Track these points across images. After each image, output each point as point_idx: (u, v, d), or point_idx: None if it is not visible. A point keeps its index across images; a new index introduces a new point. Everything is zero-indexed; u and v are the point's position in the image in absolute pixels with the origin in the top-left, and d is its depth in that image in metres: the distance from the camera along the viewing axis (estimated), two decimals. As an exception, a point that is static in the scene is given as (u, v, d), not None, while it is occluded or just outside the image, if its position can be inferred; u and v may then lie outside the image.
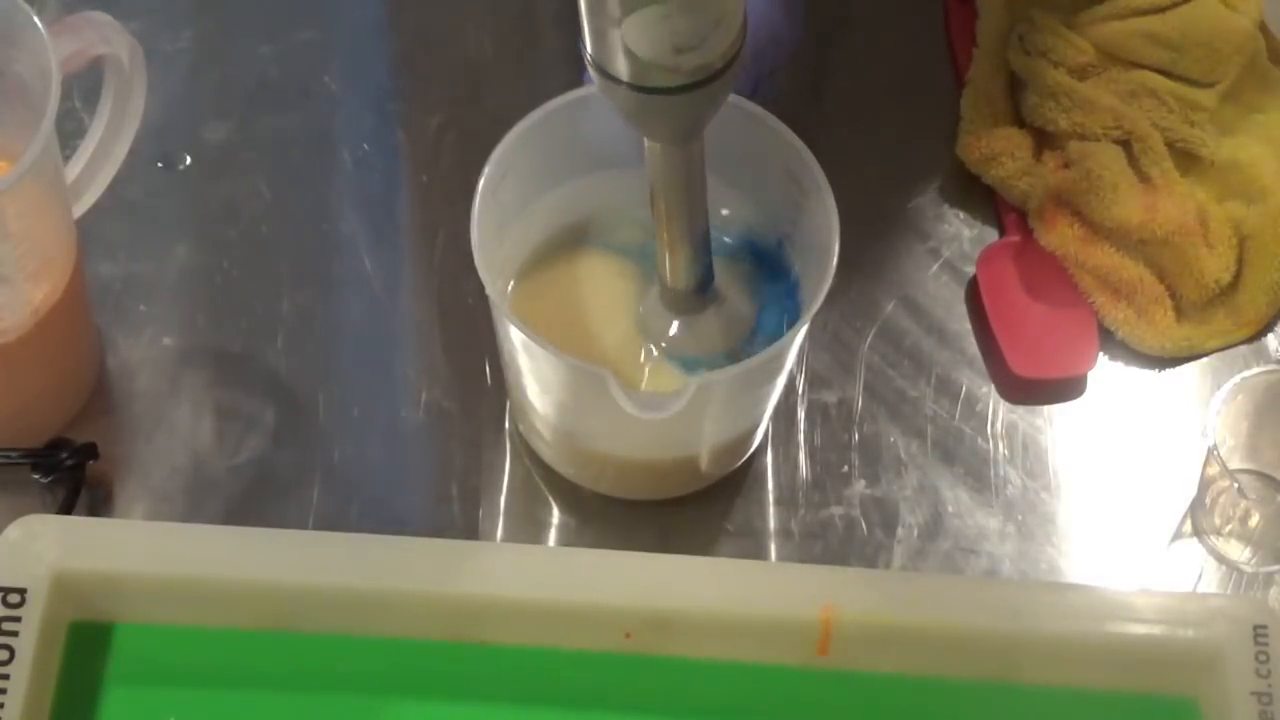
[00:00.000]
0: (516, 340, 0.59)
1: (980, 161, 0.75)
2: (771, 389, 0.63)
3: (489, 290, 0.58)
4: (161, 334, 0.70)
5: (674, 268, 0.62)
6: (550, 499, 0.67)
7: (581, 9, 0.52)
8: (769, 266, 0.65)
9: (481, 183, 0.60)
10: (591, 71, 0.54)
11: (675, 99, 0.53)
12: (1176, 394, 0.71)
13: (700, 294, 0.63)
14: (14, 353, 0.62)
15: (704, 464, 0.65)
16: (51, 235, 0.62)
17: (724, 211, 0.65)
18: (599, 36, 0.52)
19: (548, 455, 0.66)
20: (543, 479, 0.67)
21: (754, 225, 0.65)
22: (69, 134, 0.69)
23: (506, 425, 0.68)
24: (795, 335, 0.59)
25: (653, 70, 0.52)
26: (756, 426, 0.66)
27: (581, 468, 0.66)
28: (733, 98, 0.61)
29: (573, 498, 0.67)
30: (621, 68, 0.53)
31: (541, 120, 0.61)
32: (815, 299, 0.58)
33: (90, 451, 0.65)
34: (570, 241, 0.66)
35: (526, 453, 0.68)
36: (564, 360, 0.57)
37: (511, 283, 0.65)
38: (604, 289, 0.65)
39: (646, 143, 0.57)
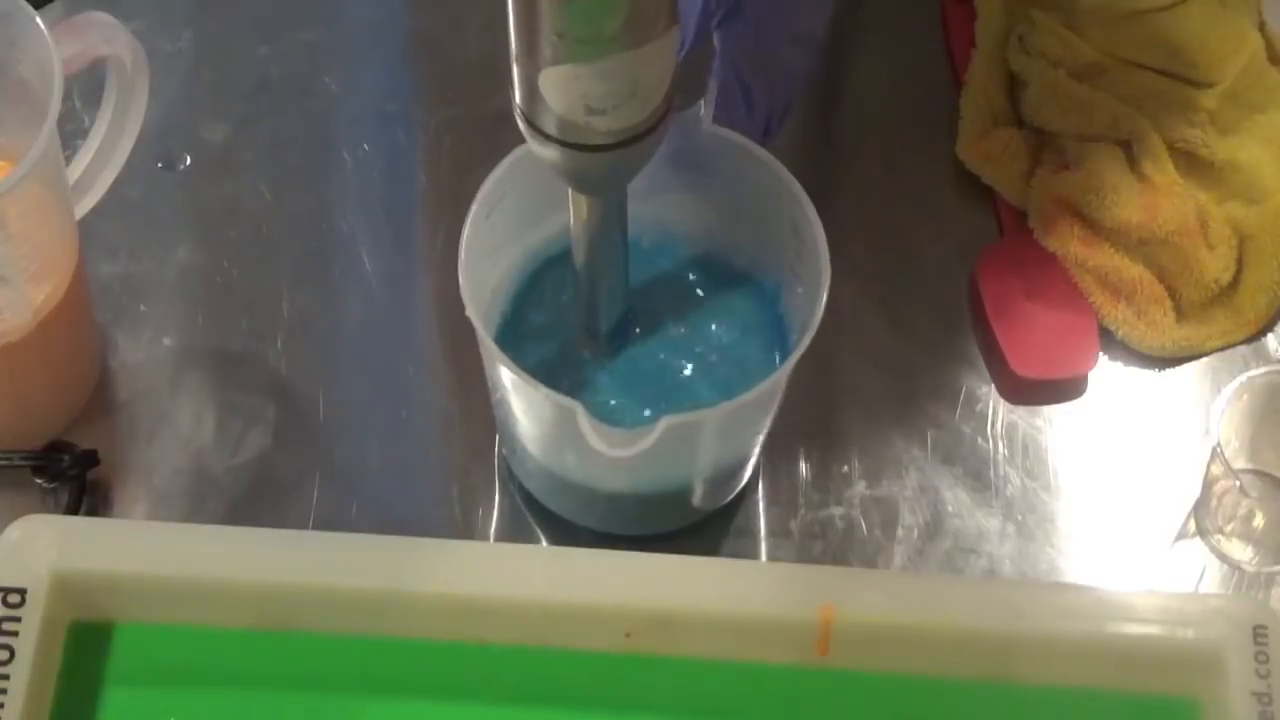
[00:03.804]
0: (500, 370, 0.58)
1: (980, 161, 0.75)
2: (757, 429, 0.63)
3: (471, 315, 0.58)
4: (161, 334, 0.70)
5: (589, 319, 0.63)
6: (539, 532, 0.67)
7: (511, 53, 0.53)
8: (765, 307, 0.65)
9: (474, 208, 0.59)
10: (516, 116, 0.55)
11: (590, 157, 0.54)
12: (1177, 394, 0.71)
13: (613, 343, 0.64)
14: (15, 354, 0.62)
15: (694, 499, 0.64)
16: (53, 236, 0.62)
17: (728, 248, 0.65)
18: (525, 84, 0.53)
19: (534, 488, 0.66)
20: (529, 511, 0.67)
21: (755, 266, 0.65)
22: (70, 134, 0.69)
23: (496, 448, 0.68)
24: (779, 381, 0.59)
25: (568, 127, 0.53)
26: (743, 464, 0.65)
27: (566, 502, 0.65)
28: (746, 143, 0.61)
29: (563, 532, 0.67)
30: (541, 119, 0.54)
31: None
32: (799, 348, 0.58)
33: (91, 459, 0.65)
34: (569, 266, 0.66)
35: (515, 486, 0.67)
36: (538, 390, 0.57)
37: (504, 308, 0.65)
38: None
39: (570, 191, 0.58)
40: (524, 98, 0.53)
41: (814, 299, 0.59)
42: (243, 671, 0.60)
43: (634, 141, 0.54)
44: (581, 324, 0.64)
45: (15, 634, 0.57)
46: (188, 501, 0.67)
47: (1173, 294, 0.72)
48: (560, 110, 0.52)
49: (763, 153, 0.61)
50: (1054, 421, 0.70)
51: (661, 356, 0.65)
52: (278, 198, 0.74)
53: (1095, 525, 0.68)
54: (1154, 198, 0.72)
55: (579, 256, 0.60)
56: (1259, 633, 0.59)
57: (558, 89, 0.52)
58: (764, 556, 0.67)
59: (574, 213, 0.59)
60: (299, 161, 0.75)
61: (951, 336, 0.72)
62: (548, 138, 0.54)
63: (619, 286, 0.62)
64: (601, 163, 0.54)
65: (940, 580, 0.65)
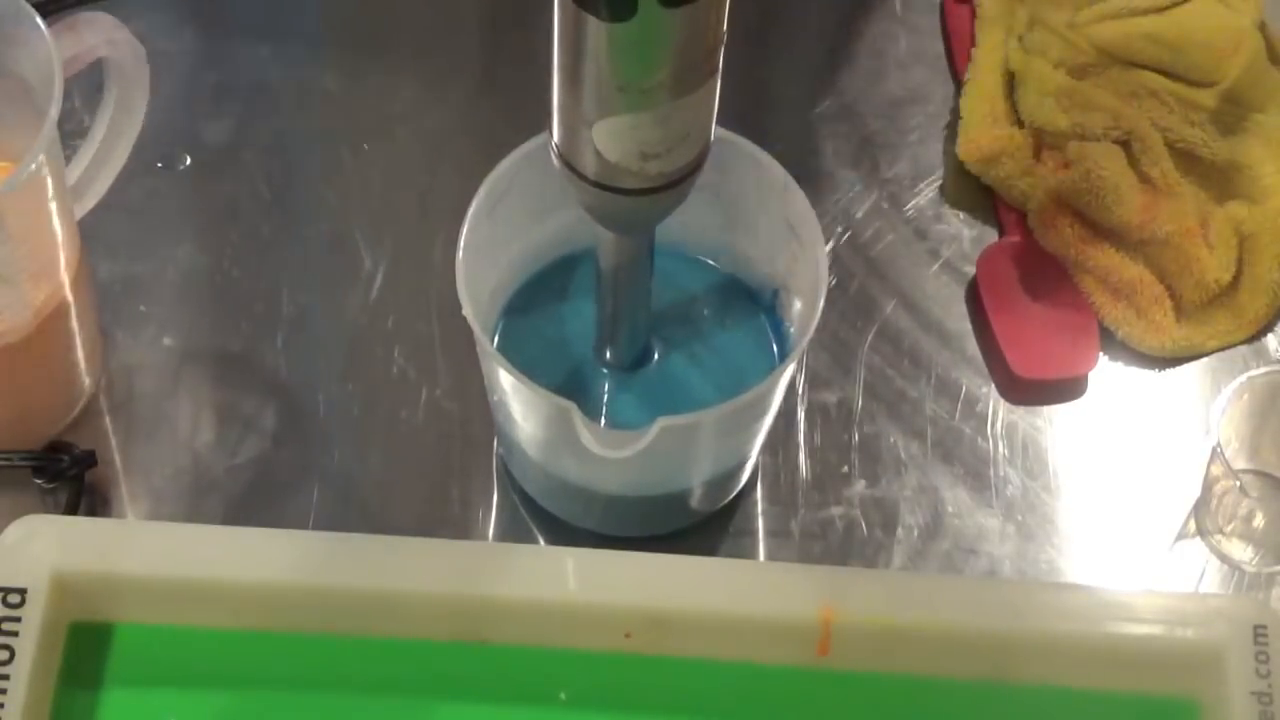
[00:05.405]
0: (497, 371, 0.58)
1: (980, 161, 0.75)
2: (755, 431, 0.63)
3: (467, 315, 0.58)
4: (161, 334, 0.70)
5: (614, 345, 0.63)
6: (537, 532, 0.67)
7: (553, 102, 0.52)
8: (764, 308, 0.65)
9: (473, 208, 0.59)
10: (555, 161, 0.54)
11: (635, 200, 0.54)
12: (1177, 394, 0.71)
13: (635, 369, 0.64)
14: (16, 354, 0.62)
15: (692, 501, 0.64)
16: (53, 236, 0.62)
17: (726, 250, 0.65)
18: (568, 131, 0.53)
19: (532, 489, 0.66)
20: (528, 512, 0.67)
21: (752, 267, 0.65)
22: (70, 134, 0.69)
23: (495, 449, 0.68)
24: (776, 382, 0.59)
25: (617, 172, 0.53)
26: (741, 466, 0.65)
27: (564, 503, 0.65)
28: (744, 142, 0.61)
29: (562, 533, 0.67)
30: (587, 165, 0.53)
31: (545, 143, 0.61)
32: (796, 350, 0.58)
33: (90, 459, 0.65)
34: (571, 267, 0.65)
35: (513, 487, 0.67)
36: (534, 390, 0.57)
37: (504, 308, 0.65)
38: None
39: (598, 228, 0.57)
40: (565, 142, 0.53)
41: (812, 300, 0.59)
42: (243, 672, 0.60)
43: (680, 182, 0.54)
44: (602, 351, 0.64)
45: (15, 634, 0.57)
46: (188, 501, 0.67)
47: (1173, 294, 0.72)
48: (614, 158, 0.52)
49: (761, 153, 0.61)
50: (1054, 421, 0.70)
51: (660, 359, 0.65)
52: (278, 198, 0.74)
53: (1095, 525, 0.68)
54: (1154, 198, 0.72)
55: (605, 291, 0.60)
56: (1259, 633, 0.59)
57: (614, 139, 0.51)
58: (764, 556, 0.67)
59: (604, 251, 0.58)
60: (299, 161, 0.75)
61: (951, 336, 0.72)
62: (592, 183, 0.53)
63: (643, 320, 0.62)
64: (644, 205, 0.54)
65: (940, 580, 0.65)
